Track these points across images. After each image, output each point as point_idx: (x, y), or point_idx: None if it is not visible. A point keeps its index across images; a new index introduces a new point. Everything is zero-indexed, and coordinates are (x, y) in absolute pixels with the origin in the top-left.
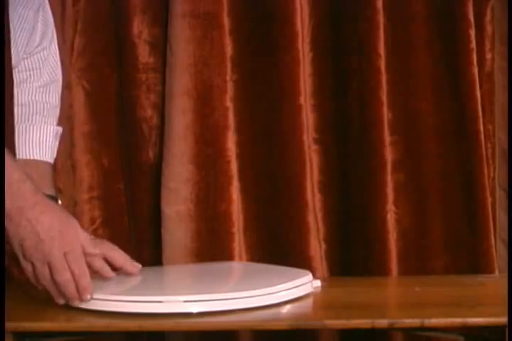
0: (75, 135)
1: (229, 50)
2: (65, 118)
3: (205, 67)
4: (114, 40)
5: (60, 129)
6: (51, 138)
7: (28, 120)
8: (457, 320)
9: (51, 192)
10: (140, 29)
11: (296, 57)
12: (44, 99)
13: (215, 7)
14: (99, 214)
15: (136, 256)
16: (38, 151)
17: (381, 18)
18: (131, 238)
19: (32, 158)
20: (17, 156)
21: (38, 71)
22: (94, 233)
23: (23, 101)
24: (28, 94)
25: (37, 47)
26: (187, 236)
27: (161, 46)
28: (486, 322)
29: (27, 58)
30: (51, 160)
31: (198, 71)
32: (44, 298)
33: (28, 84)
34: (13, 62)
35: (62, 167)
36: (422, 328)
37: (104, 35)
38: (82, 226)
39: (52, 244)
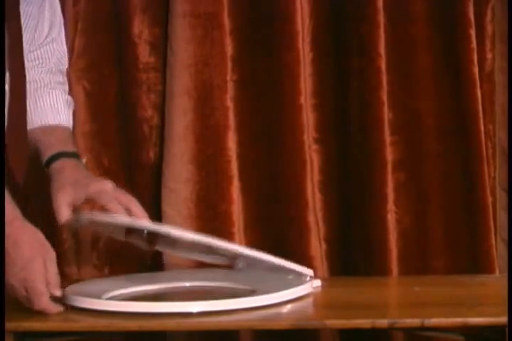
0: (75, 135)
1: (229, 49)
2: None
3: (206, 66)
4: (114, 40)
5: (70, 98)
6: (62, 104)
7: (37, 91)
8: (457, 320)
9: (74, 149)
10: (140, 29)
11: (297, 56)
12: (50, 77)
13: (216, 7)
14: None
15: (137, 256)
16: (51, 117)
17: (381, 18)
18: None
19: (47, 123)
20: (32, 125)
21: (47, 60)
22: (95, 233)
23: (30, 78)
24: (35, 74)
25: (46, 38)
26: None
27: (162, 46)
28: (486, 322)
29: (36, 50)
30: (68, 125)
31: (198, 71)
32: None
33: (35, 69)
34: None
35: None
36: (423, 328)
37: (104, 35)
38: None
39: (14, 278)
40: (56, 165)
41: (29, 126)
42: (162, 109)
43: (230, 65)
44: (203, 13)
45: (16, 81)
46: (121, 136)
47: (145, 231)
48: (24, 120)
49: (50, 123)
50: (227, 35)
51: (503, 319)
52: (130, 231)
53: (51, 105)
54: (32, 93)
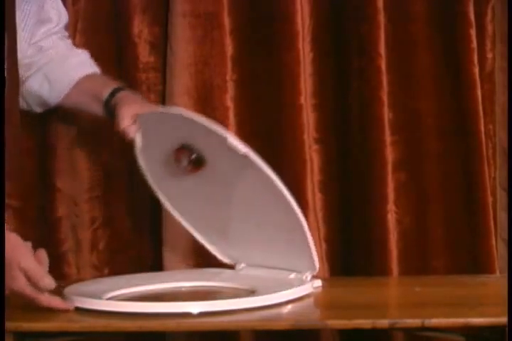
0: (75, 134)
1: (229, 49)
2: (66, 118)
3: (206, 66)
4: (114, 39)
5: (86, 52)
6: (88, 57)
7: (58, 54)
8: (458, 320)
9: (118, 85)
10: (140, 28)
11: (297, 56)
12: (64, 43)
13: (216, 7)
14: (100, 214)
15: (137, 256)
16: (88, 68)
17: (382, 18)
18: (131, 238)
19: (88, 73)
20: (73, 80)
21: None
22: (95, 233)
23: (47, 46)
24: (49, 43)
25: (56, 26)
26: (188, 236)
27: (162, 46)
28: (486, 322)
29: (41, 40)
30: (98, 71)
31: (198, 71)
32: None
33: (47, 40)
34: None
35: (63, 167)
36: (423, 328)
37: (104, 35)
38: (82, 226)
39: (8, 290)
40: (120, 94)
41: (68, 86)
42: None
43: (230, 64)
44: (202, 13)
45: (8, 83)
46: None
47: (194, 154)
48: (17, 119)
49: (90, 72)
50: (227, 35)
51: (504, 319)
52: (181, 149)
53: (80, 61)
54: (54, 57)
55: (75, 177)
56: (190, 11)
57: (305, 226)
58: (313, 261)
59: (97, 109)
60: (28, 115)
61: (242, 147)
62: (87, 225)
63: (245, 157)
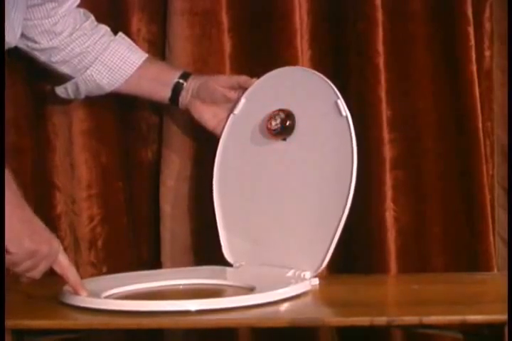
0: (73, 132)
1: (227, 47)
2: (64, 116)
3: (204, 65)
4: None
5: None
6: (129, 42)
7: (101, 47)
8: (456, 318)
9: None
10: (138, 27)
11: (295, 54)
12: (96, 30)
13: (214, 5)
14: (98, 212)
15: (135, 254)
16: (140, 54)
17: (380, 16)
18: (129, 236)
19: (143, 60)
20: (132, 69)
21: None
22: (93, 231)
23: (87, 30)
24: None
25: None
26: (186, 234)
27: (160, 44)
28: (484, 320)
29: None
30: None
31: (196, 69)
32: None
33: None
34: (10, 38)
35: (61, 164)
36: (421, 326)
37: None
38: (81, 224)
39: None
40: (196, 75)
41: (130, 71)
42: (160, 106)
43: (228, 62)
44: (200, 11)
45: None
46: (120, 134)
47: (289, 121)
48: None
49: (146, 56)
50: (225, 33)
51: (502, 316)
52: (277, 113)
53: (129, 44)
54: (104, 43)
55: (73, 175)
56: (188, 9)
57: (342, 225)
58: (321, 260)
59: (160, 93)
60: (25, 113)
61: (346, 109)
62: (86, 223)
63: (346, 119)
